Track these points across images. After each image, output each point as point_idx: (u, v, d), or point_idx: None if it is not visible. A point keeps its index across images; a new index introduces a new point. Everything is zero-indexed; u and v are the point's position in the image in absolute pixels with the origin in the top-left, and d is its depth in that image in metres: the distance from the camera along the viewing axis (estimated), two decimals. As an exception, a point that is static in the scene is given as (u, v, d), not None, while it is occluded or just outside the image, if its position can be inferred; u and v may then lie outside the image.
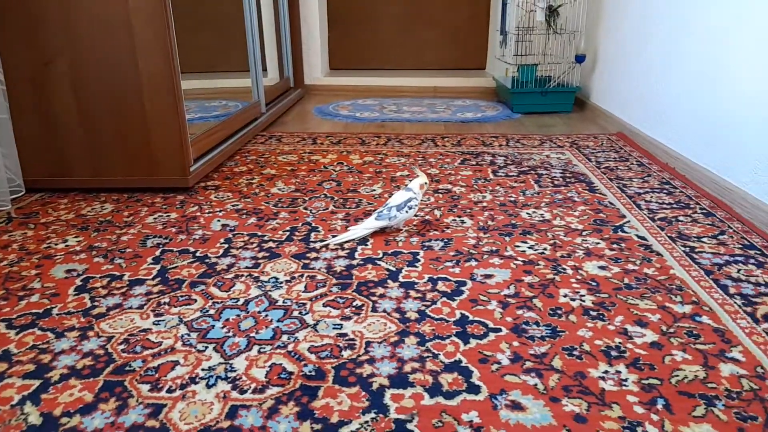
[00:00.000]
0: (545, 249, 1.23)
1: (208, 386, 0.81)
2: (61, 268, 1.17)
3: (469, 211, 1.45)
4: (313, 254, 1.22)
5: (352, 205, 1.50)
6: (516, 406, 0.77)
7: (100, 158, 1.56)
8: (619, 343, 0.90)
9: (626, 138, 2.16)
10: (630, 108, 2.21)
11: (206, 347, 0.90)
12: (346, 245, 1.26)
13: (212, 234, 1.32)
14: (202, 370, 0.84)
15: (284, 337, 0.92)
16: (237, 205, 1.51)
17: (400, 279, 1.11)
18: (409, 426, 0.73)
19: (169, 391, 0.80)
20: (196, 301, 1.04)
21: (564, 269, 1.14)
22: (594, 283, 1.09)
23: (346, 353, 0.88)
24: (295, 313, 0.99)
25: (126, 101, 1.51)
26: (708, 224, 1.36)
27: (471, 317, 0.98)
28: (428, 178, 1.35)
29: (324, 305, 1.02)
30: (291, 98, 2.85)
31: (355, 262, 1.18)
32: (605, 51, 2.49)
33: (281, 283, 1.10)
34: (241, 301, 1.03)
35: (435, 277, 1.11)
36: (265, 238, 1.30)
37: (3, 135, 1.50)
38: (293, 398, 0.78)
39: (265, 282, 1.10)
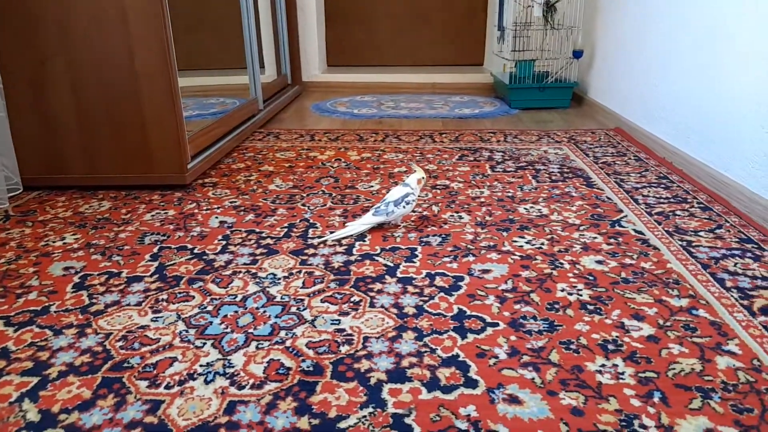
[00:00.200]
0: (543, 244, 1.24)
1: (207, 382, 0.81)
2: (59, 265, 1.17)
3: (466, 206, 1.45)
4: (311, 250, 1.22)
5: (350, 201, 1.50)
6: (513, 399, 0.77)
7: (98, 156, 1.56)
8: (616, 336, 0.91)
9: (624, 133, 2.16)
10: (627, 103, 2.21)
11: (204, 343, 0.90)
12: (344, 241, 1.26)
13: (210, 231, 1.32)
14: (200, 366, 0.85)
15: (282, 333, 0.92)
16: (235, 201, 1.51)
17: (398, 274, 1.11)
18: (407, 420, 0.74)
19: (168, 387, 0.80)
20: (194, 297, 1.04)
21: (561, 264, 1.14)
22: (591, 278, 1.09)
23: (344, 348, 0.88)
24: (293, 309, 0.99)
25: (123, 99, 1.51)
26: (705, 218, 1.36)
27: (468, 312, 0.98)
28: (426, 173, 1.35)
29: (322, 301, 1.02)
30: (289, 95, 2.84)
31: (353, 258, 1.18)
32: (603, 46, 2.49)
33: (279, 279, 1.10)
34: (239, 297, 1.04)
35: (433, 272, 1.12)
36: (263, 234, 1.30)
37: (0, 133, 1.50)
38: (291, 393, 0.79)
39: (263, 278, 1.10)
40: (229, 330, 0.93)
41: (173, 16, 1.48)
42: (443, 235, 1.28)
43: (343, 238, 1.27)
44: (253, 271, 1.13)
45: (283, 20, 2.86)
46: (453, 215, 1.40)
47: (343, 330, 0.93)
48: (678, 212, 1.40)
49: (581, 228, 1.32)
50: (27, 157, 1.57)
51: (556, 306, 0.99)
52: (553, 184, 1.61)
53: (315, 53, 3.25)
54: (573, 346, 0.88)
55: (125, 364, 0.85)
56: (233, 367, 0.84)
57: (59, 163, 1.57)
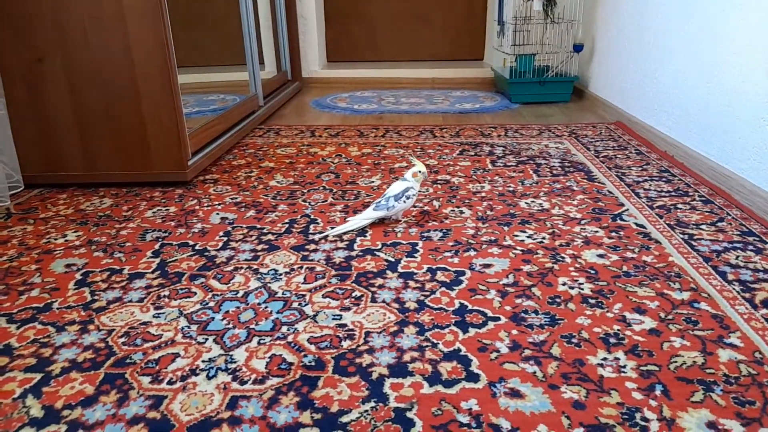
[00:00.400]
0: (544, 238, 1.23)
1: (209, 377, 0.81)
2: (60, 262, 1.17)
3: (467, 201, 1.45)
4: (313, 246, 1.22)
5: (351, 196, 1.50)
6: (515, 393, 0.77)
7: (98, 153, 1.56)
8: (618, 330, 0.91)
9: (625, 127, 2.15)
10: (628, 97, 2.20)
11: (206, 339, 0.90)
12: (345, 237, 1.26)
13: (211, 227, 1.32)
14: (203, 361, 0.85)
15: (284, 329, 0.92)
16: (236, 198, 1.51)
17: (399, 269, 1.11)
18: (409, 414, 0.74)
19: (170, 382, 0.80)
20: (195, 293, 1.04)
21: (563, 258, 1.14)
22: (593, 271, 1.09)
23: (345, 343, 0.88)
24: (295, 305, 0.99)
25: (122, 96, 1.51)
26: (707, 211, 1.36)
27: (470, 306, 0.98)
28: (425, 167, 1.35)
29: (323, 296, 1.02)
30: (289, 91, 2.84)
31: (354, 254, 1.18)
32: (603, 40, 2.48)
33: (281, 275, 1.10)
34: (241, 293, 1.04)
35: (434, 267, 1.12)
36: (264, 230, 1.30)
37: (0, 132, 1.50)
38: (293, 388, 0.79)
39: (265, 274, 1.10)
40: (230, 326, 0.94)
41: (172, 13, 1.48)
42: (444, 230, 1.28)
43: (344, 233, 1.27)
44: (255, 267, 1.13)
45: (283, 16, 2.85)
46: (454, 210, 1.40)
47: (345, 325, 0.93)
48: (679, 205, 1.40)
49: (582, 222, 1.31)
50: (27, 154, 1.57)
51: (558, 300, 0.99)
52: (554, 179, 1.61)
53: (315, 49, 3.24)
54: (574, 340, 0.88)
55: (128, 360, 0.85)
56: (235, 362, 0.84)
57: (60, 161, 1.57)
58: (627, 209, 1.38)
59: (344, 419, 0.73)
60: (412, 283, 1.06)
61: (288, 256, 1.18)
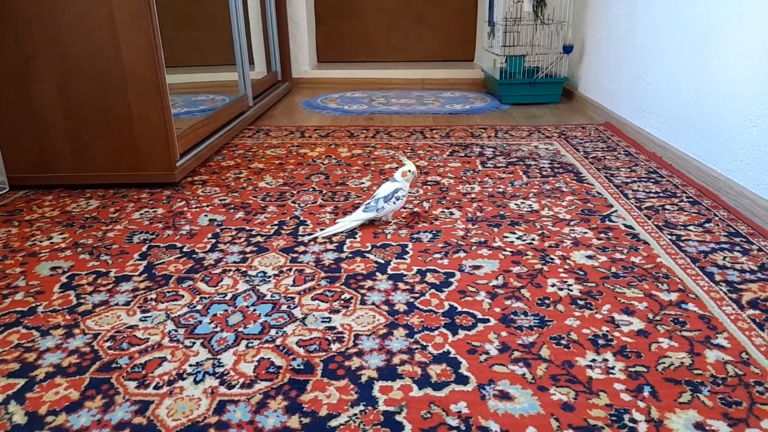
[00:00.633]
0: (533, 239, 1.24)
1: (196, 382, 0.80)
2: (46, 265, 1.15)
3: (457, 202, 1.45)
4: (302, 248, 1.21)
5: (341, 198, 1.50)
6: (504, 395, 0.77)
7: (85, 154, 1.54)
8: (607, 331, 0.91)
9: (614, 128, 2.16)
10: (617, 98, 2.22)
11: (194, 343, 0.89)
12: (334, 238, 1.25)
13: (199, 229, 1.31)
14: (190, 365, 0.84)
15: (272, 332, 0.92)
16: (224, 199, 1.50)
17: (389, 271, 1.10)
18: (398, 418, 0.73)
19: (157, 387, 0.80)
20: (183, 296, 1.03)
21: (552, 259, 1.15)
22: (581, 273, 1.09)
23: (334, 346, 0.88)
24: (284, 307, 0.99)
25: (110, 96, 1.49)
26: (694, 212, 1.37)
27: (459, 308, 0.98)
28: (416, 167, 1.35)
29: (312, 299, 1.01)
30: (278, 92, 2.83)
31: (343, 255, 1.17)
32: (593, 42, 2.50)
33: (269, 277, 1.09)
34: (229, 296, 1.03)
35: (424, 268, 1.11)
36: (253, 232, 1.29)
37: (-15, 132, 1.48)
38: (282, 392, 0.78)
39: (253, 276, 1.09)
40: (218, 329, 0.93)
41: (160, 13, 1.47)
42: (434, 232, 1.28)
43: (334, 235, 1.27)
44: (243, 269, 1.12)
45: (273, 16, 2.84)
46: (444, 211, 1.40)
47: (334, 328, 0.93)
48: (667, 206, 1.41)
49: (572, 223, 1.32)
50: (13, 156, 1.55)
51: (547, 301, 1.00)
52: (543, 180, 1.61)
53: (305, 49, 3.23)
54: (563, 342, 0.88)
55: (113, 365, 0.84)
56: (223, 366, 0.84)
57: (46, 162, 1.55)
58: (616, 210, 1.39)
59: (333, 423, 0.73)
60: (401, 285, 1.05)
61: (277, 258, 1.17)
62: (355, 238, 1.25)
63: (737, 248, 1.18)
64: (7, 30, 1.44)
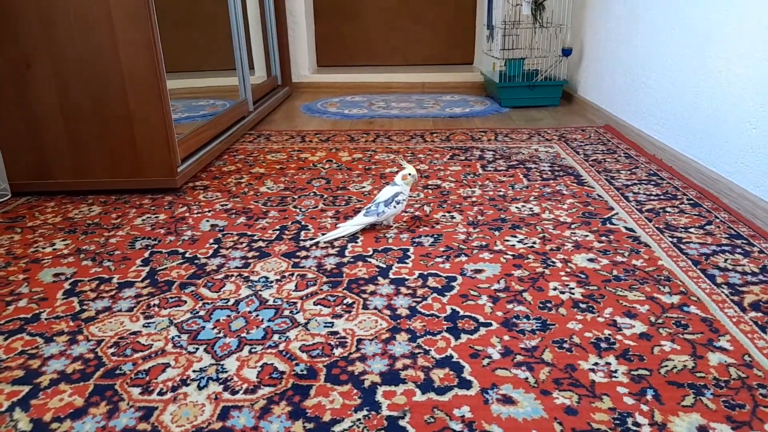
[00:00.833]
0: (534, 243, 1.24)
1: (200, 388, 0.81)
2: (49, 272, 1.16)
3: (458, 206, 1.46)
4: (303, 253, 1.21)
5: (342, 202, 1.50)
6: (507, 400, 0.77)
7: (86, 160, 1.55)
8: (609, 334, 0.91)
9: (614, 130, 2.17)
10: (617, 100, 2.22)
11: (197, 349, 0.89)
12: (336, 243, 1.25)
13: (201, 234, 1.32)
14: (193, 371, 0.84)
15: (275, 337, 0.92)
16: (226, 204, 1.50)
17: (391, 276, 1.11)
18: (402, 422, 0.74)
19: (160, 393, 0.80)
20: (186, 302, 1.03)
21: (553, 262, 1.15)
22: (583, 276, 1.09)
23: (337, 351, 0.88)
24: (286, 313, 0.99)
25: (110, 102, 1.49)
26: (695, 215, 1.37)
27: (461, 312, 0.98)
28: (416, 171, 1.35)
29: (315, 304, 1.02)
30: (279, 96, 2.83)
31: (345, 260, 1.17)
32: (591, 44, 2.50)
33: (271, 282, 1.09)
34: (232, 301, 1.03)
35: (425, 273, 1.12)
36: (255, 237, 1.30)
37: (-13, 138, 1.48)
38: (285, 398, 0.78)
39: (256, 282, 1.10)
40: (221, 335, 0.93)
41: (160, 17, 1.47)
42: (435, 236, 1.28)
43: (335, 239, 1.27)
44: (245, 274, 1.13)
45: (272, 21, 2.85)
46: (445, 215, 1.40)
47: (337, 333, 0.93)
48: (668, 209, 1.41)
49: (573, 226, 1.32)
50: (15, 163, 1.55)
51: (549, 305, 1.00)
52: (544, 183, 1.62)
53: (305, 54, 3.24)
54: (566, 345, 0.89)
55: (117, 371, 0.85)
56: (226, 372, 0.84)
57: (48, 169, 1.56)
58: (616, 213, 1.39)
59: (337, 428, 0.73)
60: (403, 290, 1.06)
61: (279, 263, 1.17)
62: (356, 242, 1.26)
63: (738, 250, 1.18)
64: (6, 32, 1.44)
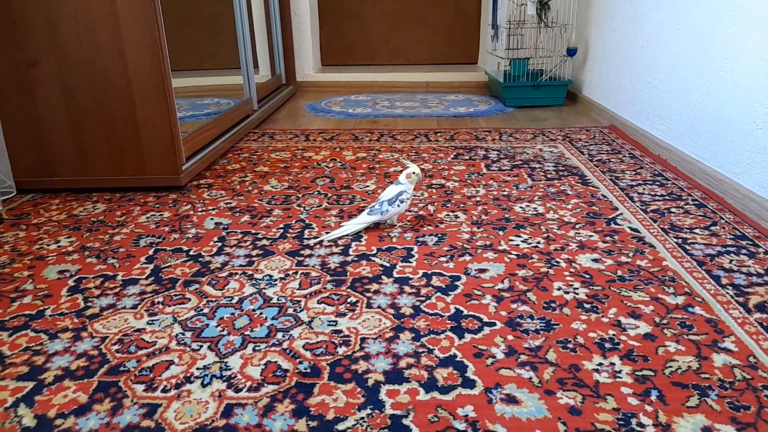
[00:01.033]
0: (539, 242, 1.24)
1: (203, 385, 0.81)
2: (53, 269, 1.16)
3: (462, 205, 1.45)
4: (307, 251, 1.21)
5: (346, 201, 1.50)
6: (511, 399, 0.77)
7: (91, 158, 1.55)
8: (613, 335, 0.91)
9: (618, 130, 2.16)
10: (622, 101, 2.21)
11: (201, 346, 0.90)
12: (340, 242, 1.25)
13: (205, 232, 1.32)
14: (197, 369, 0.84)
15: (279, 335, 0.92)
16: (230, 203, 1.50)
17: (395, 275, 1.11)
18: (405, 421, 0.74)
19: (164, 390, 0.80)
20: (190, 300, 1.03)
21: (558, 262, 1.15)
22: (587, 276, 1.09)
23: (341, 350, 0.88)
24: (290, 311, 0.99)
25: (116, 100, 1.50)
26: (700, 215, 1.36)
27: (465, 312, 0.98)
28: (420, 170, 1.35)
29: (318, 302, 1.02)
30: (283, 95, 2.84)
31: (349, 259, 1.17)
32: (596, 44, 2.50)
33: (275, 280, 1.09)
34: (236, 299, 1.03)
35: (429, 272, 1.12)
36: (259, 235, 1.30)
37: (-8, 136, 1.49)
38: (289, 396, 0.78)
39: (259, 280, 1.10)
40: (225, 332, 0.93)
41: (166, 17, 1.48)
42: (439, 235, 1.28)
43: (339, 238, 1.27)
44: (249, 272, 1.13)
45: (277, 20, 2.85)
46: (449, 214, 1.40)
47: (340, 331, 0.93)
48: (673, 209, 1.41)
49: (577, 226, 1.32)
50: (20, 159, 1.56)
51: (553, 305, 1.00)
52: (548, 183, 1.61)
53: (309, 53, 3.24)
54: (570, 345, 0.88)
55: (121, 368, 0.85)
56: (230, 369, 0.84)
57: (53, 166, 1.56)
58: (621, 213, 1.39)
59: (340, 427, 0.73)
60: (407, 289, 1.05)
61: (283, 261, 1.17)
62: (360, 241, 1.25)
63: (744, 251, 1.18)
64: (11, 35, 1.45)
